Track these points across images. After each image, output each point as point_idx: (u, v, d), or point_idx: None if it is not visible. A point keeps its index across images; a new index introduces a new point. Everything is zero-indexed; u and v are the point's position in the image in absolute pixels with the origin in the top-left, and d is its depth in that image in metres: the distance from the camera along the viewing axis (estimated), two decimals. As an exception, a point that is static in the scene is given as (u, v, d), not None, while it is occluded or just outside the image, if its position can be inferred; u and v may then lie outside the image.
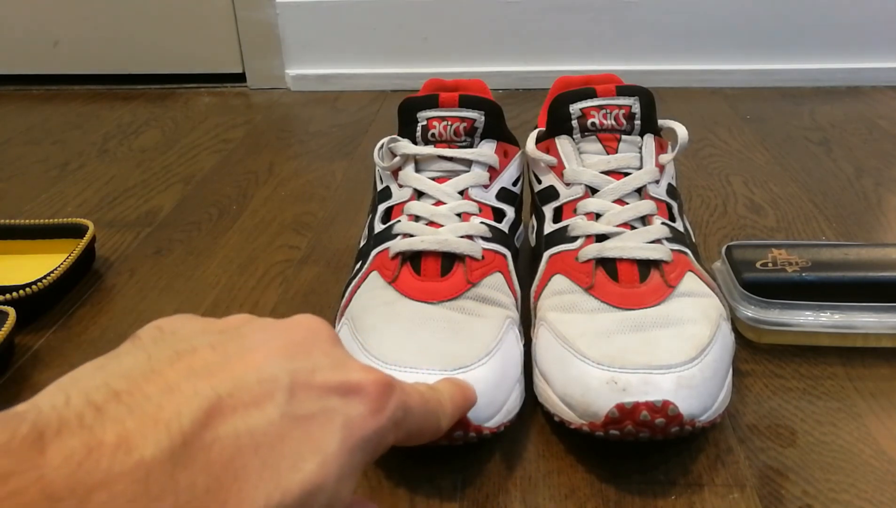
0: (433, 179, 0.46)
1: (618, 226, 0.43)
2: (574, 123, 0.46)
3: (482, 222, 0.45)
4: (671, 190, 0.47)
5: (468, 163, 0.47)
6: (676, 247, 0.43)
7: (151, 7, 1.09)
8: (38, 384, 0.46)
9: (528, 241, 0.53)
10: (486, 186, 0.47)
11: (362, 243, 0.49)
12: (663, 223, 0.44)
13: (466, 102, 0.47)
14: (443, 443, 0.36)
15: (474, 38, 1.07)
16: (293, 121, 0.98)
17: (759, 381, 0.45)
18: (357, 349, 0.39)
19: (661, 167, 0.46)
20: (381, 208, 0.48)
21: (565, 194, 0.46)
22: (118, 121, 0.98)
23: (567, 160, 0.47)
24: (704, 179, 0.74)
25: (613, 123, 0.46)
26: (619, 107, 0.46)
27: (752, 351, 0.47)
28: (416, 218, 0.45)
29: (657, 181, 0.46)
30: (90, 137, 0.93)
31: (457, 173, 0.46)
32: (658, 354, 0.37)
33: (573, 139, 0.47)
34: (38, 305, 0.53)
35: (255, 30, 1.08)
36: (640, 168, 0.45)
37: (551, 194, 0.47)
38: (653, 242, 0.43)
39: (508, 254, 0.46)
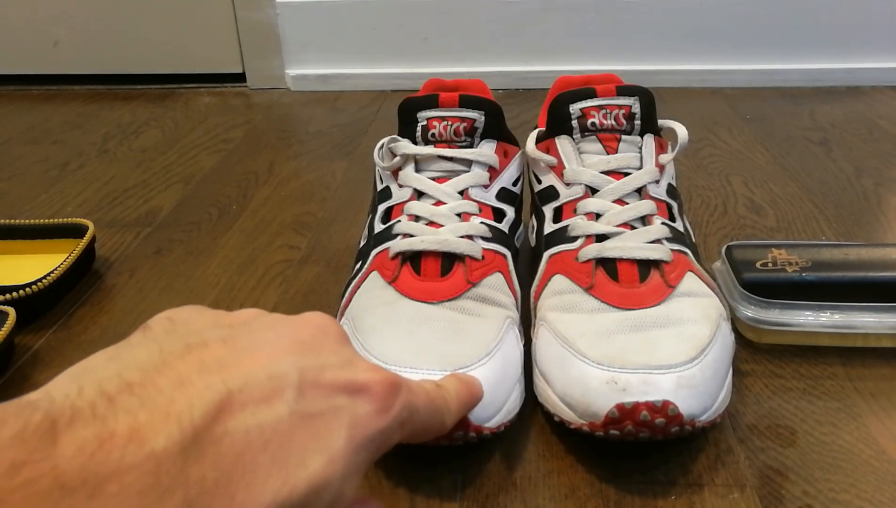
0: (433, 179, 0.46)
1: (618, 226, 0.43)
2: (574, 123, 0.46)
3: (482, 222, 0.45)
4: (671, 190, 0.47)
5: (468, 163, 0.47)
6: (676, 247, 0.43)
7: (151, 7, 1.09)
8: (38, 385, 0.46)
9: (528, 241, 0.53)
10: (486, 186, 0.47)
11: (362, 243, 0.49)
12: (663, 223, 0.44)
13: (466, 102, 0.47)
14: (443, 443, 0.36)
15: (474, 38, 1.07)
16: (293, 121, 0.98)
17: (759, 381, 0.45)
18: (357, 349, 0.39)
19: (661, 167, 0.46)
20: (381, 208, 0.48)
21: (565, 194, 0.46)
22: (118, 121, 0.98)
23: (567, 160, 0.47)
24: (704, 179, 0.74)
25: (613, 123, 0.46)
26: (619, 107, 0.46)
27: (752, 351, 0.47)
28: (416, 218, 0.45)
29: (657, 181, 0.46)
30: (90, 137, 0.93)
31: (457, 173, 0.46)
32: (658, 354, 0.37)
33: (573, 139, 0.47)
34: (38, 305, 0.53)
35: (255, 30, 1.08)
36: (640, 168, 0.45)
37: (551, 194, 0.47)
38: (653, 242, 0.43)
39: (508, 254, 0.46)
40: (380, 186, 0.49)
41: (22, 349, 0.50)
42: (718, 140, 0.85)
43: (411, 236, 0.44)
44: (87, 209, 0.72)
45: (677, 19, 1.03)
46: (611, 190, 0.45)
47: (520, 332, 0.43)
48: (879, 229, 0.64)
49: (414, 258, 0.43)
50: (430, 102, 0.47)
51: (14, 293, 0.51)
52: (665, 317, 0.39)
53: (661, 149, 0.47)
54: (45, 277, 0.53)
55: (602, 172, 0.45)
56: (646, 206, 0.44)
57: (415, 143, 0.47)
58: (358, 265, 0.47)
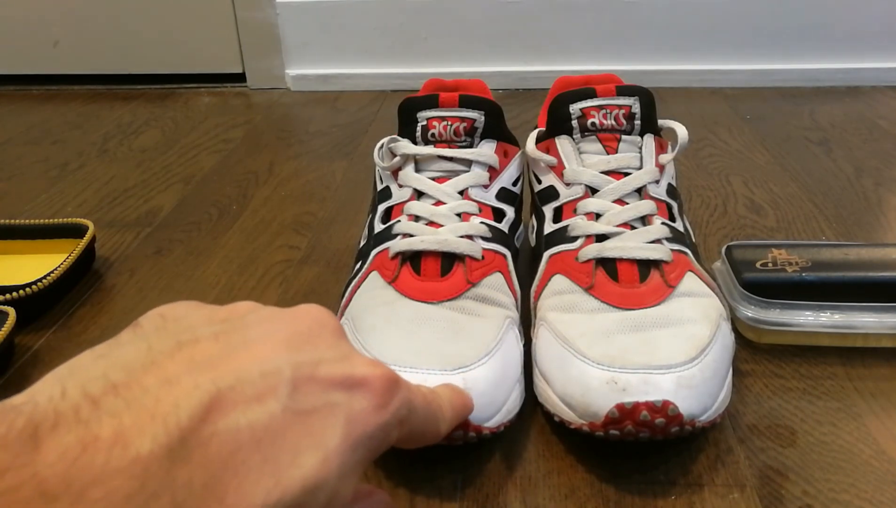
0: (433, 179, 0.46)
1: (618, 226, 0.43)
2: (574, 123, 0.46)
3: (482, 222, 0.45)
4: (671, 190, 0.47)
5: (468, 163, 0.47)
6: (676, 247, 0.43)
7: (151, 7, 1.09)
8: (38, 384, 0.46)
9: (528, 241, 0.53)
10: (486, 187, 0.47)
11: (362, 243, 0.49)
12: (663, 223, 0.44)
13: (466, 102, 0.47)
14: (443, 443, 0.36)
15: (474, 38, 1.07)
16: (293, 121, 0.98)
17: (759, 381, 0.45)
18: (357, 349, 0.39)
19: (661, 167, 0.46)
20: (381, 207, 0.48)
21: (565, 194, 0.46)
22: (118, 121, 0.98)
23: (567, 160, 0.47)
24: (704, 179, 0.74)
25: (613, 123, 0.46)
26: (619, 107, 0.46)
27: (752, 351, 0.47)
28: (416, 218, 0.45)
29: (657, 181, 0.46)
30: (90, 137, 0.93)
31: (457, 173, 0.46)
32: (658, 354, 0.37)
33: (573, 139, 0.47)
34: (38, 305, 0.53)
35: (255, 30, 1.08)
36: (640, 168, 0.45)
37: (551, 193, 0.47)
38: (653, 242, 0.43)
39: (508, 254, 0.46)
40: (380, 187, 0.49)
41: (22, 349, 0.50)
42: (718, 140, 0.85)
43: (411, 235, 0.44)
44: (87, 209, 0.72)
45: (677, 19, 1.03)
46: (611, 190, 0.45)
47: (520, 332, 0.43)
48: (879, 229, 0.64)
49: (414, 258, 0.43)
50: (430, 102, 0.47)
51: (14, 293, 0.51)
52: (665, 317, 0.39)
53: (661, 149, 0.47)
54: (45, 277, 0.53)
55: (602, 172, 0.45)
56: (646, 206, 0.44)
57: (415, 143, 0.47)
58: (358, 265, 0.47)
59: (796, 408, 0.42)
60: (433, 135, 0.47)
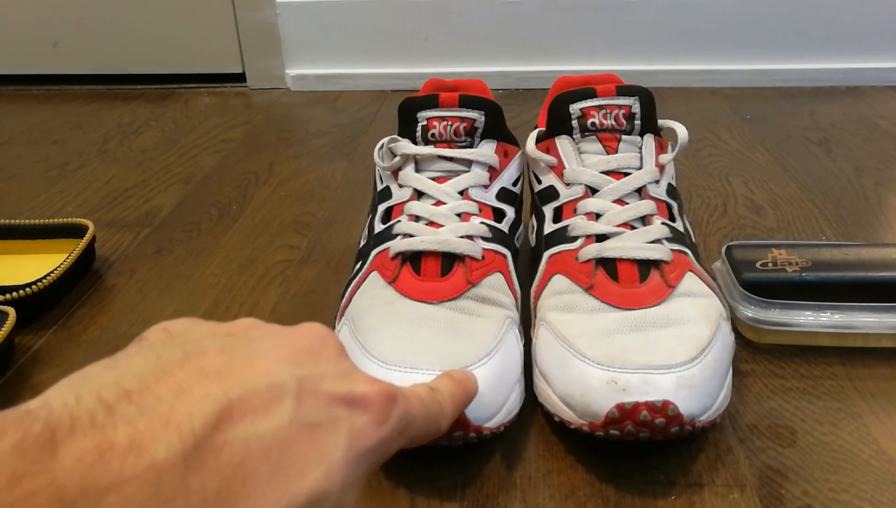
0: (433, 179, 0.46)
1: (618, 226, 0.43)
2: (574, 123, 0.46)
3: (482, 222, 0.45)
4: (671, 190, 0.47)
5: (468, 163, 0.47)
6: (676, 247, 0.43)
7: (151, 7, 1.09)
8: (38, 384, 0.46)
9: (528, 241, 0.53)
10: (486, 187, 0.47)
11: (362, 243, 0.49)
12: (663, 223, 0.44)
13: (466, 102, 0.47)
14: (443, 443, 0.36)
15: (474, 38, 1.07)
16: (293, 121, 0.98)
17: (759, 381, 0.45)
18: (357, 349, 0.39)
19: (661, 167, 0.46)
20: (381, 208, 0.48)
21: (565, 194, 0.46)
22: (118, 121, 0.98)
23: (567, 160, 0.47)
24: (704, 179, 0.74)
25: (613, 123, 0.46)
26: (619, 107, 0.46)
27: (752, 351, 0.47)
28: (416, 218, 0.45)
29: (657, 181, 0.46)
30: (90, 137, 0.93)
31: (457, 173, 0.46)
32: (658, 354, 0.37)
33: (573, 139, 0.47)
34: (38, 305, 0.53)
35: (255, 30, 1.08)
36: (640, 168, 0.45)
37: (551, 194, 0.47)
38: (653, 242, 0.43)
39: (508, 254, 0.46)
40: (380, 187, 0.49)
41: (22, 349, 0.50)
42: (718, 140, 0.85)
43: (411, 236, 0.44)
44: (87, 209, 0.72)
45: (677, 19, 1.03)
46: (611, 190, 0.45)
47: (520, 332, 0.43)
48: (879, 229, 0.64)
49: (414, 258, 0.43)
50: (430, 102, 0.47)
51: (14, 293, 0.51)
52: (665, 317, 0.39)
53: (661, 149, 0.47)
54: (45, 277, 0.53)
55: (602, 172, 0.45)
56: (646, 206, 0.44)
57: (415, 143, 0.47)
58: (358, 265, 0.47)
59: (796, 408, 0.42)
60: (433, 135, 0.47)
